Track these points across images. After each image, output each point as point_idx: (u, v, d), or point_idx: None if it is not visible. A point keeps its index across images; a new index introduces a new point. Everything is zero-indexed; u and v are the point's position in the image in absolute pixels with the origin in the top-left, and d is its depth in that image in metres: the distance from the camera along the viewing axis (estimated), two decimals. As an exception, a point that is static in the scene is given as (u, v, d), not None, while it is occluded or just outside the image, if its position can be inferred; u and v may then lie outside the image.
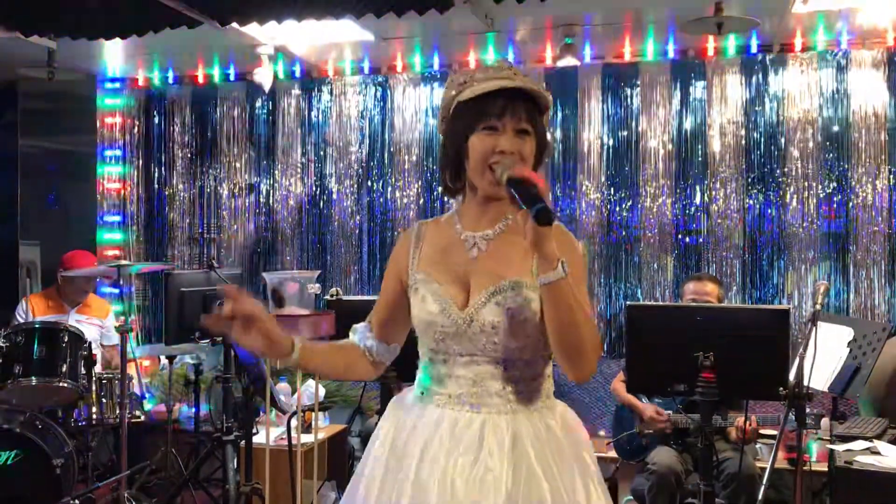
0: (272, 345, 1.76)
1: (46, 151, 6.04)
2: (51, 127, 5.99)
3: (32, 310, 4.89)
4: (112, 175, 6.07)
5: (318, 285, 3.59)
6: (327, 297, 3.72)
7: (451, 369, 1.79)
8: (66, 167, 6.12)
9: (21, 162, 6.04)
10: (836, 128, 4.92)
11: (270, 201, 5.83)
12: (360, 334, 1.95)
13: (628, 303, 4.45)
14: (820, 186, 4.93)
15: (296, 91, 5.78)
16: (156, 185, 6.05)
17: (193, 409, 4.97)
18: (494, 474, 1.68)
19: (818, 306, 3.16)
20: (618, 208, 5.22)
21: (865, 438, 3.42)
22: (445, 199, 5.51)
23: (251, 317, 1.72)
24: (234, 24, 3.75)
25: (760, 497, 2.86)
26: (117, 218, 6.07)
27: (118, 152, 6.06)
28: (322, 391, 4.65)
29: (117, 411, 4.45)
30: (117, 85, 6.02)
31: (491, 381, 1.77)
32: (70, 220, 6.11)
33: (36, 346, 4.09)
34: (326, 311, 2.77)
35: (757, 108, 5.03)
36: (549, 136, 1.83)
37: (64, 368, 4.13)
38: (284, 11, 3.64)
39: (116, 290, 5.93)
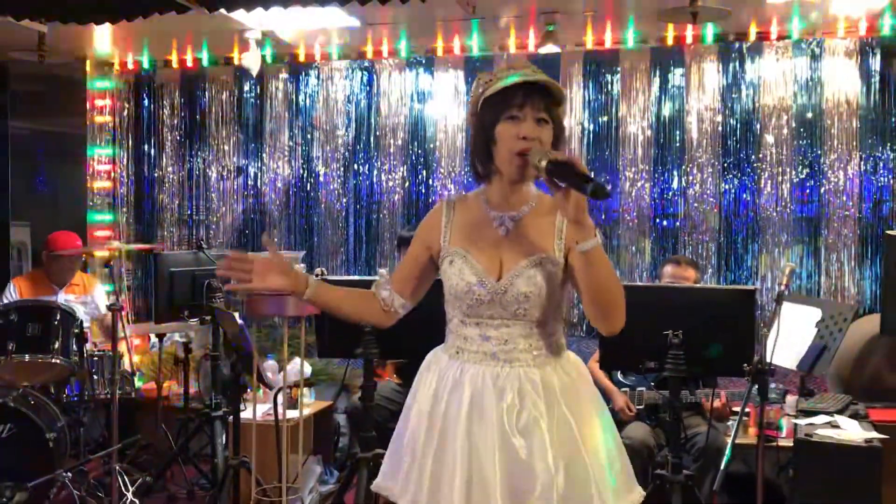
0: (291, 280, 2.05)
1: (36, 133, 6.11)
2: (41, 109, 6.06)
3: (20, 292, 4.99)
4: (102, 157, 6.14)
5: (303, 265, 3.71)
6: (312, 276, 3.84)
7: (484, 331, 2.04)
8: (56, 149, 6.19)
9: (11, 143, 6.11)
10: (809, 115, 5.06)
11: (258, 184, 5.93)
12: (380, 285, 2.19)
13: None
14: (793, 172, 5.08)
15: (283, 75, 5.87)
16: (145, 168, 6.14)
17: (181, 387, 5.09)
18: (537, 419, 1.97)
19: (782, 287, 3.30)
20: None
21: (827, 413, 3.58)
22: (430, 182, 5.63)
23: (270, 263, 2.03)
24: (222, 10, 3.82)
25: (722, 467, 3.00)
26: (107, 199, 6.16)
27: (108, 134, 6.13)
28: (308, 369, 4.78)
29: (108, 387, 4.57)
30: (106, 68, 6.08)
31: (519, 340, 2.03)
32: (60, 201, 6.19)
33: (29, 323, 4.20)
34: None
35: (733, 95, 5.16)
36: (563, 124, 2.05)
37: (56, 346, 4.24)
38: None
39: (106, 270, 6.05)
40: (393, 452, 2.20)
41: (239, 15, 4.58)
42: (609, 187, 1.72)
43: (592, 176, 1.76)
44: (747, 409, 4.58)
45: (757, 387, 3.08)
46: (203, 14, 4.10)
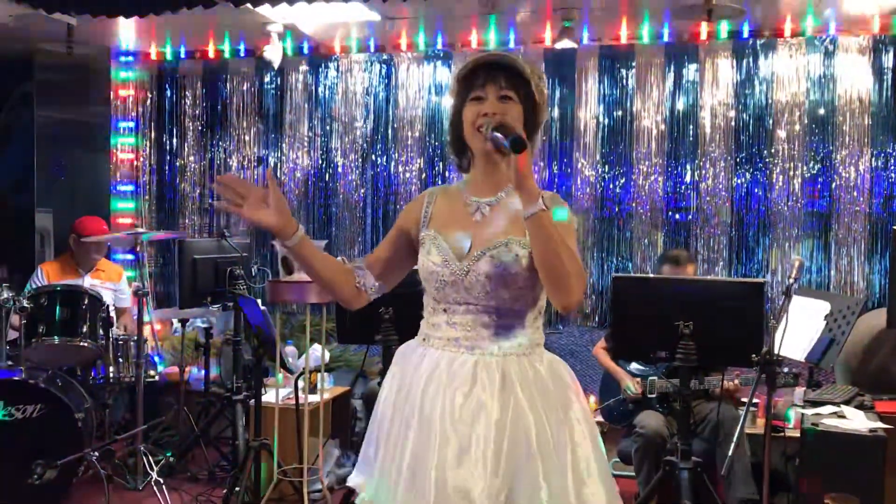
0: (284, 220, 1.94)
1: (61, 122, 6.23)
2: (66, 98, 6.17)
3: (47, 276, 5.13)
4: (125, 146, 6.27)
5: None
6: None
7: (451, 317, 2.02)
8: (80, 138, 6.31)
9: (37, 132, 6.24)
10: (821, 111, 5.13)
11: (278, 174, 6.05)
12: (358, 263, 2.15)
13: (614, 274, 4.68)
14: (805, 167, 5.15)
15: (303, 67, 5.97)
16: (167, 157, 6.26)
17: (203, 371, 5.22)
18: (485, 406, 1.93)
19: (791, 280, 3.39)
20: (611, 185, 5.44)
21: (834, 404, 3.67)
22: (447, 174, 5.73)
23: (265, 195, 1.92)
24: (248, 5, 3.93)
25: (730, 453, 3.10)
26: (130, 188, 6.29)
27: (131, 124, 6.26)
28: (327, 355, 4.90)
29: (132, 371, 4.71)
30: (130, 59, 6.20)
31: (483, 328, 2.00)
32: (84, 189, 6.31)
33: (58, 307, 4.34)
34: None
35: (747, 91, 5.23)
36: (542, 98, 2.04)
37: (84, 329, 4.38)
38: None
39: (131, 257, 6.19)
40: (367, 435, 2.17)
41: (262, 8, 4.69)
42: (527, 142, 1.83)
43: (519, 131, 1.82)
44: (756, 400, 4.70)
45: (765, 376, 3.18)
46: (228, 7, 4.22)
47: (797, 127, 5.15)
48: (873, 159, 5.04)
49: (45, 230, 6.58)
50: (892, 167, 5.02)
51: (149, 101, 6.26)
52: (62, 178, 6.26)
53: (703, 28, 5.15)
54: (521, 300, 2.01)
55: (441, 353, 2.02)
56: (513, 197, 1.98)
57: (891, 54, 5.02)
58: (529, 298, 2.02)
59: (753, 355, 3.22)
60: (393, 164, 5.82)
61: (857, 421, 3.41)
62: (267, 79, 6.04)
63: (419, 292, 2.15)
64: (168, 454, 4.69)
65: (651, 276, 4.68)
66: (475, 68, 1.99)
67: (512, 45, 5.52)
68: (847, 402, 3.75)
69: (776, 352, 3.19)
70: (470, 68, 2.00)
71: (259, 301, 4.26)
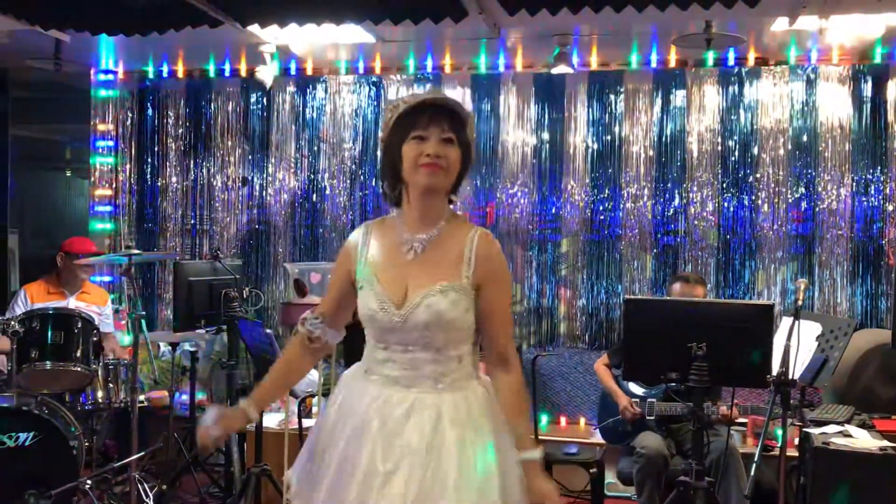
0: (240, 421, 2.22)
1: (37, 141, 6.08)
2: (43, 116, 6.04)
3: (31, 298, 4.99)
4: (104, 165, 6.14)
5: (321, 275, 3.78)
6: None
7: (391, 355, 2.11)
8: (57, 157, 6.17)
9: (11, 151, 6.08)
10: (804, 137, 5.28)
11: (264, 195, 5.98)
12: (311, 324, 2.23)
13: (626, 297, 4.72)
14: (789, 192, 5.29)
15: (291, 88, 5.93)
16: (148, 177, 6.15)
17: (187, 396, 5.11)
18: (412, 447, 2.02)
19: (799, 302, 3.47)
20: (601, 208, 5.51)
21: (837, 423, 3.76)
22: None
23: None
24: (256, 26, 3.90)
25: (753, 473, 3.15)
26: (108, 208, 6.15)
27: (111, 143, 6.13)
28: (321, 378, 4.84)
29: (122, 395, 4.59)
30: (111, 77, 6.09)
31: (423, 366, 2.09)
32: (61, 209, 6.16)
33: (50, 331, 4.21)
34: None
35: (732, 117, 5.37)
36: (473, 141, 2.14)
37: (78, 353, 4.27)
38: (304, 16, 3.81)
39: (109, 279, 6.05)
40: (304, 460, 2.26)
41: (255, 28, 4.65)
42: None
43: None
44: (744, 420, 4.79)
45: (780, 397, 3.24)
46: (228, 28, 4.17)
47: (781, 152, 5.29)
48: (854, 184, 5.20)
49: (11, 251, 6.41)
50: (873, 192, 5.18)
51: (129, 120, 6.14)
52: (37, 199, 6.10)
53: (691, 55, 5.27)
54: (457, 340, 2.10)
55: (380, 389, 2.10)
56: (447, 232, 2.11)
57: (870, 83, 5.20)
58: (465, 336, 2.12)
59: (768, 376, 3.29)
60: (381, 186, 5.79)
61: (864, 440, 3.50)
62: (253, 98, 5.99)
63: None
64: (158, 482, 4.57)
65: (664, 298, 4.74)
66: (418, 107, 2.06)
67: (502, 69, 5.58)
68: (848, 421, 3.85)
69: (791, 373, 3.26)
70: (413, 107, 2.06)
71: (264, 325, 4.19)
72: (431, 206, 2.11)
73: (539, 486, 2.06)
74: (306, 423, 4.43)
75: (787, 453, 4.30)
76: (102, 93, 6.11)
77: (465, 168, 2.13)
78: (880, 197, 5.18)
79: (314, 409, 4.55)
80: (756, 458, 3.20)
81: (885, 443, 3.44)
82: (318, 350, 2.27)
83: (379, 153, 2.24)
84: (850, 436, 3.54)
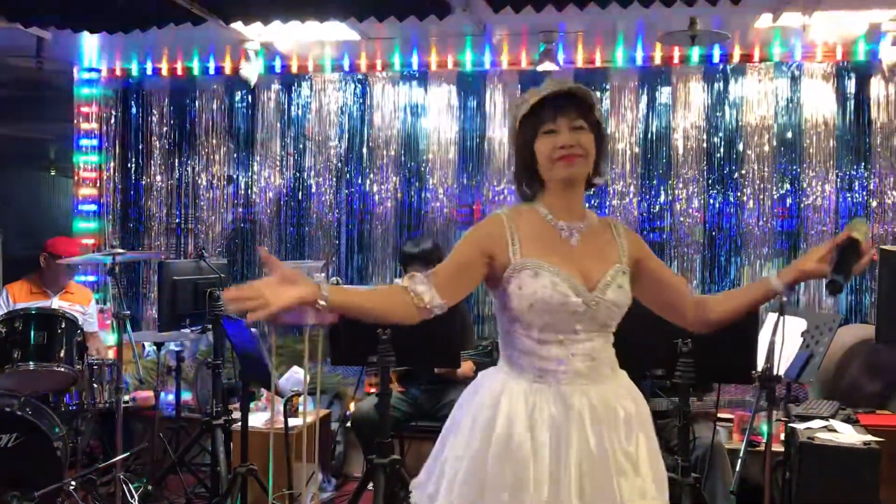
0: (305, 287, 1.80)
1: (20, 139, 6.04)
2: (25, 115, 5.99)
3: (13, 298, 4.94)
4: (88, 164, 6.10)
5: (323, 275, 3.77)
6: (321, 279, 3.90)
7: (569, 348, 2.01)
8: (39, 156, 6.12)
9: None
10: (789, 134, 5.30)
11: (249, 193, 5.95)
12: (416, 280, 2.00)
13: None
14: (774, 188, 5.31)
15: (275, 86, 5.91)
16: (132, 175, 6.11)
17: (174, 395, 5.08)
18: (636, 437, 2.04)
19: (784, 297, 3.47)
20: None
21: (822, 418, 3.78)
22: (423, 195, 5.72)
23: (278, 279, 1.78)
24: (240, 23, 3.88)
25: (738, 468, 3.15)
26: (92, 207, 6.11)
27: (94, 142, 6.09)
28: (307, 377, 4.82)
29: (106, 396, 4.56)
30: (94, 75, 6.04)
31: (600, 353, 2.07)
32: (45, 208, 6.12)
33: (33, 331, 4.17)
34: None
35: (717, 114, 5.38)
36: (602, 127, 2.10)
37: (62, 354, 4.22)
38: (287, 13, 3.79)
39: (93, 279, 6.01)
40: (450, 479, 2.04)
41: (239, 25, 4.63)
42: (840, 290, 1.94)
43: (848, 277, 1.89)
44: (731, 416, 4.81)
45: (766, 393, 3.25)
46: (211, 25, 4.15)
47: (766, 149, 5.32)
48: (839, 181, 5.23)
49: (-1, 250, 6.37)
50: (857, 188, 5.21)
51: (113, 119, 6.10)
52: (21, 197, 6.05)
53: (676, 52, 5.28)
54: (617, 324, 2.12)
55: (569, 388, 2.01)
56: (594, 224, 2.12)
57: (853, 80, 5.23)
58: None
59: (753, 372, 3.29)
60: (368, 183, 5.79)
61: (848, 434, 3.52)
62: (238, 97, 5.96)
63: None
64: (144, 481, 4.54)
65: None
66: (541, 102, 2.02)
67: (488, 66, 5.57)
68: (833, 416, 3.87)
69: (776, 368, 3.26)
70: (534, 103, 2.03)
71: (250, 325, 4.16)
72: (576, 195, 2.09)
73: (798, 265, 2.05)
74: (292, 422, 4.42)
75: (773, 448, 4.35)
76: (85, 91, 6.06)
77: (603, 149, 2.09)
78: (864, 193, 5.21)
79: (300, 409, 4.52)
80: (741, 454, 3.20)
81: (869, 437, 3.45)
82: (416, 307, 1.98)
83: (509, 154, 2.26)
84: (834, 430, 3.56)
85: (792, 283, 2.04)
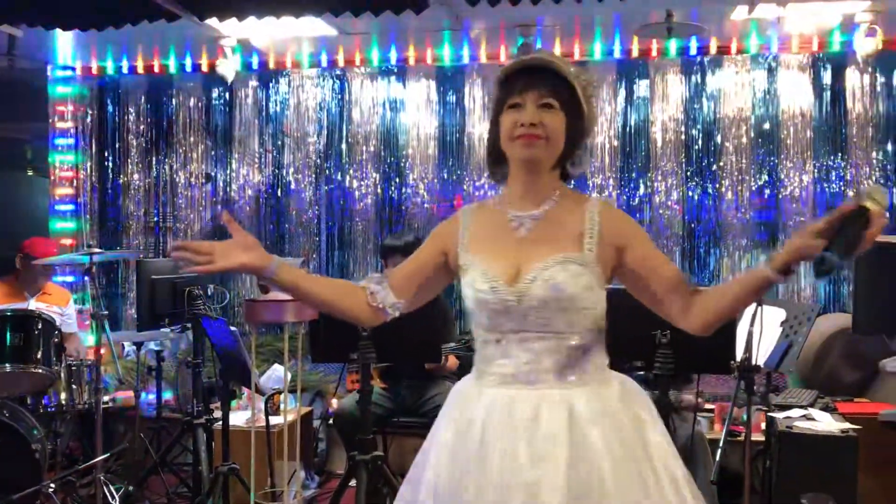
0: (259, 257, 1.81)
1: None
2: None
3: (-12, 298, 4.89)
4: (64, 164, 6.04)
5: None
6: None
7: (506, 348, 1.84)
8: (15, 155, 6.06)
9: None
10: (766, 125, 5.34)
11: (228, 191, 5.92)
12: (372, 279, 1.96)
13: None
14: (752, 179, 5.35)
15: (253, 82, 5.87)
16: (110, 174, 6.05)
17: (154, 395, 5.05)
18: (551, 452, 1.74)
19: (782, 283, 3.49)
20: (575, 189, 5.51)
21: (801, 407, 3.81)
22: (403, 189, 5.71)
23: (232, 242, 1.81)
24: (214, 20, 3.85)
25: (718, 458, 3.17)
26: (70, 207, 6.05)
27: (70, 141, 6.03)
28: (288, 375, 4.80)
29: (85, 397, 4.52)
30: (69, 73, 5.98)
31: (543, 358, 1.81)
32: (21, 209, 6.05)
33: (10, 333, 4.12)
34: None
35: (695, 106, 5.41)
36: (590, 106, 1.88)
37: (38, 355, 4.17)
38: (263, 8, 3.77)
39: (72, 279, 5.96)
40: (412, 478, 1.98)
41: (214, 21, 4.59)
42: (831, 274, 1.59)
43: (849, 259, 1.56)
44: (712, 406, 4.83)
45: (745, 383, 3.27)
46: (186, 22, 4.12)
47: (744, 140, 5.35)
48: (816, 171, 5.27)
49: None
50: (834, 179, 5.25)
51: (89, 118, 6.04)
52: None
53: (654, 45, 5.29)
54: (579, 324, 1.82)
55: (497, 391, 1.84)
56: (560, 208, 1.86)
57: (829, 71, 5.26)
58: (589, 320, 1.84)
59: (732, 362, 3.31)
60: (347, 180, 5.77)
61: (826, 422, 3.54)
62: (215, 94, 5.92)
63: None
64: (126, 483, 4.51)
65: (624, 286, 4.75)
66: (515, 72, 1.82)
67: (466, 60, 5.56)
68: (812, 405, 3.90)
69: (755, 358, 3.28)
70: (508, 73, 1.84)
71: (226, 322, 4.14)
72: (536, 181, 1.84)
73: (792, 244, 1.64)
74: (273, 420, 4.40)
75: (753, 438, 4.37)
76: (60, 89, 6.00)
77: (578, 135, 1.85)
78: (841, 183, 5.25)
79: (281, 407, 4.51)
80: (721, 444, 3.22)
81: (847, 425, 3.48)
82: (372, 309, 1.93)
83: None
84: (812, 419, 3.58)
85: (784, 267, 1.63)
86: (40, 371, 4.18)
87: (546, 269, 1.80)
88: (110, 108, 6.04)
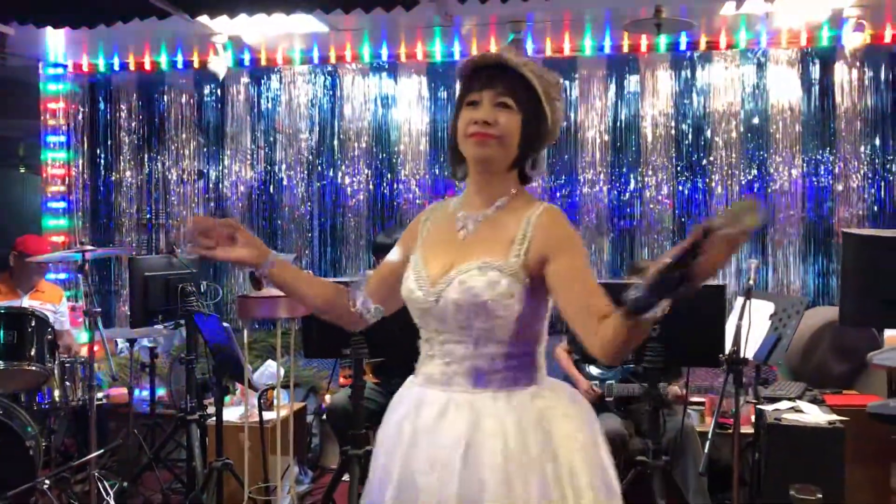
0: (257, 252, 1.82)
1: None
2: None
3: (-20, 296, 4.90)
4: (56, 161, 6.04)
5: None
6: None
7: (431, 348, 1.82)
8: (6, 153, 6.06)
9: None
10: (756, 120, 5.37)
11: (220, 188, 5.93)
12: (355, 283, 1.96)
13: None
14: (742, 174, 5.38)
15: (245, 79, 5.88)
16: (102, 172, 6.06)
17: (147, 392, 5.07)
18: (447, 460, 1.72)
19: (751, 282, 3.54)
20: (558, 194, 5.55)
21: (789, 399, 3.84)
22: (395, 185, 5.73)
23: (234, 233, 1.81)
24: (205, 17, 3.86)
25: (706, 450, 3.21)
26: (62, 204, 6.05)
27: (62, 138, 6.03)
28: (281, 371, 4.83)
29: (79, 394, 4.53)
30: (61, 70, 5.98)
31: (460, 361, 1.78)
32: (14, 206, 6.06)
33: (3, 330, 4.14)
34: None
35: (685, 101, 5.44)
36: (553, 108, 1.81)
37: (32, 352, 4.19)
38: (254, 5, 3.78)
39: (65, 276, 5.96)
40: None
41: (205, 18, 4.60)
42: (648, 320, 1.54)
43: (663, 303, 1.50)
44: (703, 399, 4.88)
45: (733, 376, 3.31)
46: (177, 19, 4.13)
47: (734, 135, 5.38)
48: (805, 165, 5.30)
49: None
50: (823, 173, 5.29)
51: (81, 115, 6.04)
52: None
53: (644, 40, 5.32)
54: (497, 333, 1.74)
55: (419, 390, 1.84)
56: (506, 211, 1.80)
57: (818, 66, 5.30)
58: (507, 330, 1.74)
59: (721, 356, 3.35)
60: (339, 176, 5.79)
61: (814, 414, 3.58)
62: (207, 91, 5.93)
63: None
64: (120, 479, 4.53)
65: (615, 280, 4.80)
66: (478, 69, 1.79)
67: (457, 56, 5.58)
68: (800, 397, 3.94)
69: (744, 351, 3.32)
70: (469, 69, 1.81)
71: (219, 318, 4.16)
72: (489, 180, 1.80)
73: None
74: (266, 415, 4.42)
75: (743, 430, 4.41)
76: (52, 87, 6.00)
77: (535, 137, 1.78)
78: (830, 177, 5.29)
79: (274, 402, 4.53)
80: (710, 436, 3.25)
81: (834, 417, 3.52)
82: (353, 313, 1.92)
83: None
84: (800, 411, 3.62)
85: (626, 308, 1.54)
86: (34, 368, 4.20)
87: (465, 272, 1.75)
88: (102, 105, 6.05)
